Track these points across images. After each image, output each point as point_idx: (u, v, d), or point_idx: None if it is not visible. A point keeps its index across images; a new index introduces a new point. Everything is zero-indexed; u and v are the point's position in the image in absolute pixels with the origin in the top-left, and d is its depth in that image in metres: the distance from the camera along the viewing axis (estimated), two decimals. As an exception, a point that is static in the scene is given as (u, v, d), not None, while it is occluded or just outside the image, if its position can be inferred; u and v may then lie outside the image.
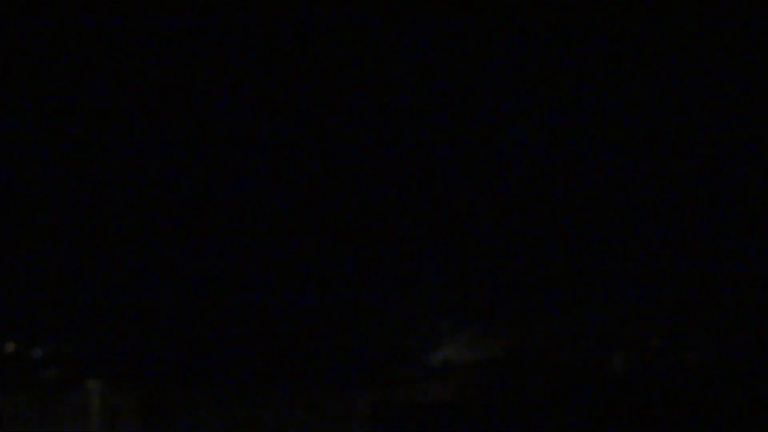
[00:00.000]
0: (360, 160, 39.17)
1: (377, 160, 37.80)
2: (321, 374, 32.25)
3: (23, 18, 36.46)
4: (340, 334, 33.25)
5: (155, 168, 37.36)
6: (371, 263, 37.03)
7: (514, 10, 35.08)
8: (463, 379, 30.18)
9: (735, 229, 32.38)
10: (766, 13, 32.23)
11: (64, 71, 37.40)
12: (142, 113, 38.12)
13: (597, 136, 35.44)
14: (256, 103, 38.31)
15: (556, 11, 34.58)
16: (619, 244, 33.17)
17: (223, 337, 33.17)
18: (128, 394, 32.17)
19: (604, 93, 35.80)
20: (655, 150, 35.04)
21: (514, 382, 29.01)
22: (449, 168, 37.77)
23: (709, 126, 34.12)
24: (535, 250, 35.05)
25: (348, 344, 33.05)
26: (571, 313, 32.09)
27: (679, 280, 31.28)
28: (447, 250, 36.98)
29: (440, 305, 35.09)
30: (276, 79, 37.55)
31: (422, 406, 28.90)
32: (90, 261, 34.70)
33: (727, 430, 24.87)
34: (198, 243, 35.20)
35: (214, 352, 32.76)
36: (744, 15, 32.60)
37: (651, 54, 34.48)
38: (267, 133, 37.48)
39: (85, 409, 31.71)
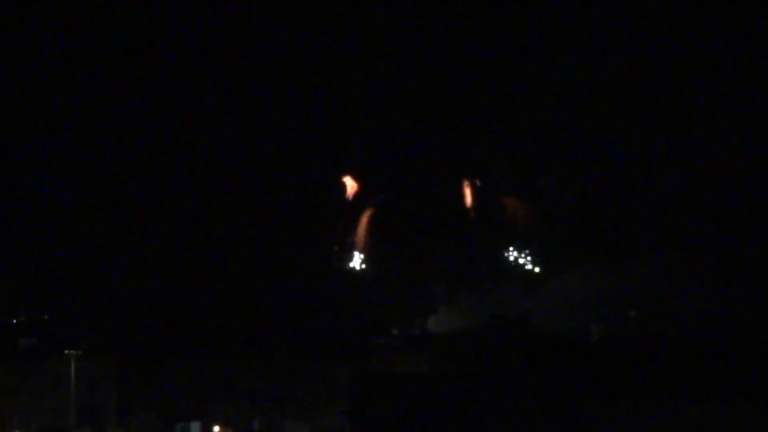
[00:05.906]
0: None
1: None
2: (301, 345, 32.21)
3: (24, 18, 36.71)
4: (320, 306, 33.23)
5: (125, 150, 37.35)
6: (359, 240, 36.91)
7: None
8: (440, 349, 30.15)
9: (704, 208, 32.34)
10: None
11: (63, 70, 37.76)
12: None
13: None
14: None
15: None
16: (598, 220, 33.17)
17: (203, 308, 33.12)
18: (105, 364, 32.20)
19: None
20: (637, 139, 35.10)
21: (491, 352, 28.98)
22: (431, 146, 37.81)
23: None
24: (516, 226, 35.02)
25: (328, 316, 33.03)
26: (551, 285, 32.07)
27: (655, 254, 31.35)
28: (437, 225, 36.91)
29: (433, 273, 35.25)
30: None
31: (399, 377, 28.94)
32: (69, 233, 34.57)
33: (700, 400, 24.97)
34: (175, 213, 35.02)
35: (194, 323, 32.71)
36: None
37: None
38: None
39: (63, 378, 31.72)
